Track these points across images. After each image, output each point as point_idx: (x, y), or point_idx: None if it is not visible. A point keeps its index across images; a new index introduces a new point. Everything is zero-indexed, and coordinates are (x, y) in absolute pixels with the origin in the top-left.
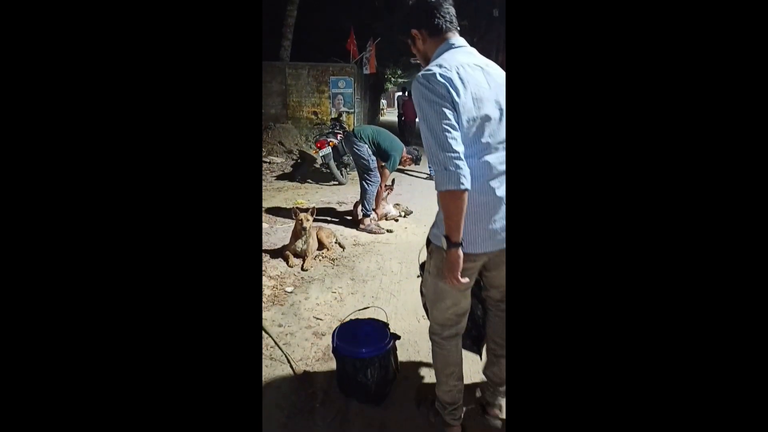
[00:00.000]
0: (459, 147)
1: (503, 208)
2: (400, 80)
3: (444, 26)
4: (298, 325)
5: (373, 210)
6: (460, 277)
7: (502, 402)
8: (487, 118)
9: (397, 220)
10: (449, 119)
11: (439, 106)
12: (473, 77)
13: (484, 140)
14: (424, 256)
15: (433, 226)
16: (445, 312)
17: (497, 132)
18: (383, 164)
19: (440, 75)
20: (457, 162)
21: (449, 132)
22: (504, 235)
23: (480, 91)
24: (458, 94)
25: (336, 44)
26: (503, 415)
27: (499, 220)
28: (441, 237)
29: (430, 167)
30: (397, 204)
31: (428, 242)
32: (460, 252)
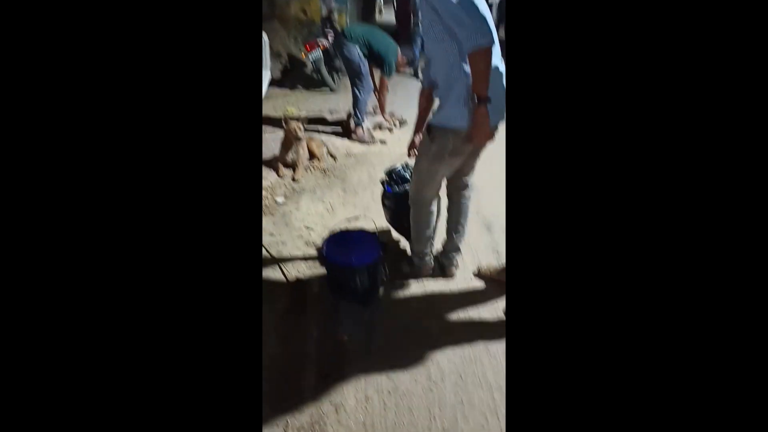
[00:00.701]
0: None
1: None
2: None
3: None
4: (290, 234)
5: (381, 110)
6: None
7: (453, 259)
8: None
9: (390, 131)
10: None
11: None
12: None
13: None
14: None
15: (438, 110)
16: (435, 186)
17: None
18: (380, 72)
19: None
20: (491, 25)
21: (479, 5)
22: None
23: None
24: None
25: None
26: (455, 268)
27: (496, 96)
28: (453, 117)
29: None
30: (391, 113)
31: (429, 129)
32: (488, 108)
